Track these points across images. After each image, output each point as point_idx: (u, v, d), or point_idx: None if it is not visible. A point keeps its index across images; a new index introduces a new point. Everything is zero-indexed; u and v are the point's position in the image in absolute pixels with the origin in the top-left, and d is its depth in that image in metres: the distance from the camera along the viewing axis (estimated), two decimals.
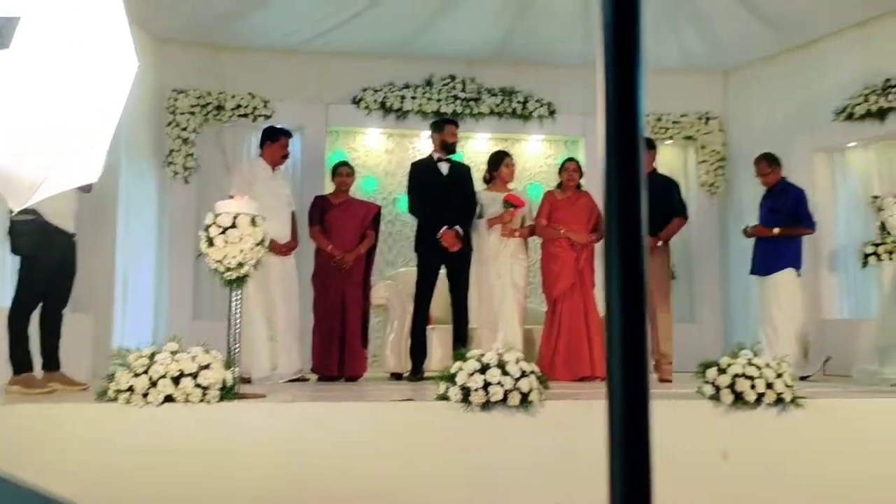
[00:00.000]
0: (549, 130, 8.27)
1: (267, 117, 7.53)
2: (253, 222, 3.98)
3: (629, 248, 0.78)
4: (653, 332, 5.92)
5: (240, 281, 4.03)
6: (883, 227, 4.62)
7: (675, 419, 4.01)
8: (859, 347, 5.90)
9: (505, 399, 3.66)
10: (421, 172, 5.89)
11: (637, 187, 0.78)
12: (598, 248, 6.13)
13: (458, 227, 5.68)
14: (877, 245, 6.79)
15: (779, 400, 3.94)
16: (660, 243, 5.81)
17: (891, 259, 6.22)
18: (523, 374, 3.71)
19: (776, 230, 5.97)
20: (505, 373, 3.68)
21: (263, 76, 7.71)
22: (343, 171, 6.09)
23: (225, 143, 7.73)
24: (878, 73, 7.11)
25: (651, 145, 6.13)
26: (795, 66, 7.92)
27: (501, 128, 8.18)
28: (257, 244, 3.99)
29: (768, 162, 6.25)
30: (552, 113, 8.18)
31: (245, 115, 7.56)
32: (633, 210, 0.78)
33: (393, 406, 3.82)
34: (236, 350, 4.02)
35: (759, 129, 8.26)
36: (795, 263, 6.03)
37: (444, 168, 5.83)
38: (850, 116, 7.17)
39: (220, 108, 7.50)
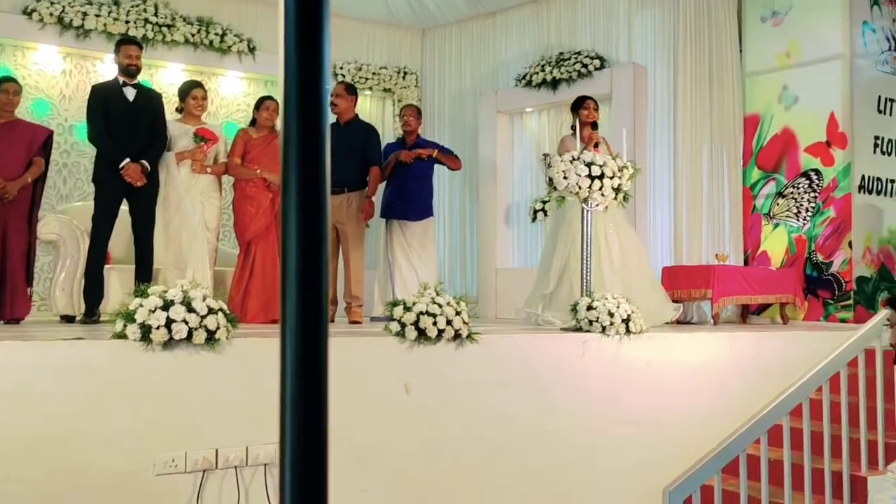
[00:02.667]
0: (249, 68, 7.99)
1: None
2: None
3: (309, 193, 0.73)
4: (346, 277, 6.03)
5: None
6: (550, 182, 5.12)
7: (363, 356, 4.14)
8: (525, 294, 6.53)
9: (190, 337, 3.50)
10: (103, 97, 5.34)
11: (319, 127, 0.73)
12: None
13: (143, 161, 5.27)
14: (544, 202, 7.56)
15: (457, 335, 4.23)
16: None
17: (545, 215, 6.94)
18: (210, 312, 3.57)
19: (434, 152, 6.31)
20: (191, 310, 3.51)
21: None
22: (9, 89, 5.33)
23: None
24: (553, 47, 7.85)
25: (352, 91, 6.17)
26: (485, 32, 8.47)
27: (197, 59, 7.73)
28: None
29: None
30: (252, 49, 7.91)
31: None
32: (315, 153, 0.73)
33: (60, 345, 3.46)
34: None
35: (451, 88, 8.73)
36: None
37: (129, 94, 5.34)
38: (528, 83, 7.85)
39: None
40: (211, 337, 3.56)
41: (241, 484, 3.64)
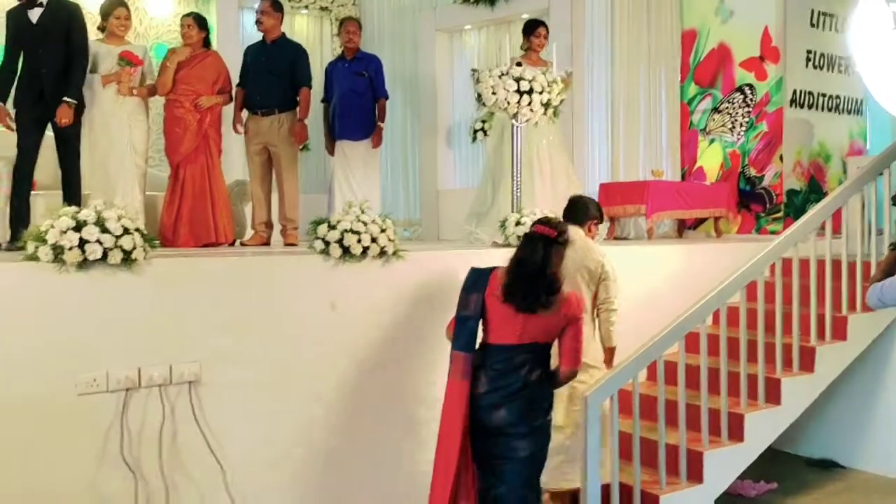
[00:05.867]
0: None
1: None
2: None
3: None
4: (279, 199, 5.99)
5: None
6: (479, 98, 5.10)
7: (289, 275, 4.16)
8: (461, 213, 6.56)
9: (105, 257, 3.47)
10: (11, 22, 5.09)
11: None
12: (226, 111, 5.96)
13: (67, 99, 5.05)
14: (483, 122, 7.53)
15: (382, 253, 4.26)
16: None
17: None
18: (126, 232, 3.53)
19: None
20: (105, 230, 3.47)
21: None
22: None
23: None
24: None
25: (279, 7, 6.00)
26: None
27: None
28: None
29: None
30: None
31: None
32: None
33: None
34: None
35: (390, 6, 8.55)
36: None
37: (34, 15, 4.98)
38: (466, 0, 7.71)
39: None
40: (127, 257, 3.53)
41: (165, 402, 3.68)
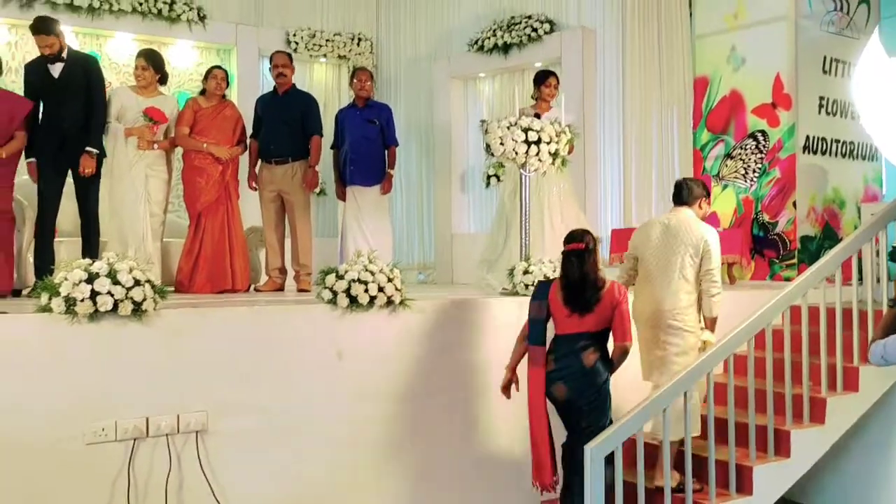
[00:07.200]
0: (200, 37, 7.95)
1: None
2: None
3: None
4: (292, 246, 6.09)
5: None
6: (488, 148, 5.18)
7: (297, 324, 4.22)
8: (475, 258, 6.61)
9: (116, 309, 3.56)
10: (31, 76, 5.27)
11: None
12: (243, 160, 6.09)
13: (90, 149, 5.22)
14: (496, 169, 7.62)
15: (389, 302, 4.31)
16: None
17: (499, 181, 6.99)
18: (137, 283, 3.62)
19: None
20: (116, 282, 3.56)
21: None
22: None
23: None
24: (505, 10, 7.85)
25: (292, 59, 6.15)
26: None
27: (146, 29, 7.68)
28: None
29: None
30: (202, 18, 7.86)
31: None
32: None
33: None
34: None
35: (405, 54, 8.71)
36: None
37: (55, 70, 5.17)
38: (480, 48, 7.86)
39: None
40: (137, 308, 3.61)
41: (172, 451, 3.72)
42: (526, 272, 4.91)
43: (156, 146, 5.67)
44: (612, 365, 4.05)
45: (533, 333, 4.11)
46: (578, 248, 4.01)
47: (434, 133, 8.32)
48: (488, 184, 7.82)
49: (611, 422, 3.99)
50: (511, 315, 4.59)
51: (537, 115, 5.61)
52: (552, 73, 6.17)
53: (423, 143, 8.52)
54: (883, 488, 5.31)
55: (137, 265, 3.72)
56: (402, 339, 4.41)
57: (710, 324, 4.46)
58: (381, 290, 4.26)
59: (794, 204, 6.90)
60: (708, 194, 4.68)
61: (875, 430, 5.21)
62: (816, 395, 4.71)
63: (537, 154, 5.17)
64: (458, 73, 8.18)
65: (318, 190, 6.87)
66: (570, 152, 5.57)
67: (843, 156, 7.28)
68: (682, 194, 4.59)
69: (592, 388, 3.98)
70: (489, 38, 7.75)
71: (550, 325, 4.14)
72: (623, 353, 4.03)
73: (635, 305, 4.46)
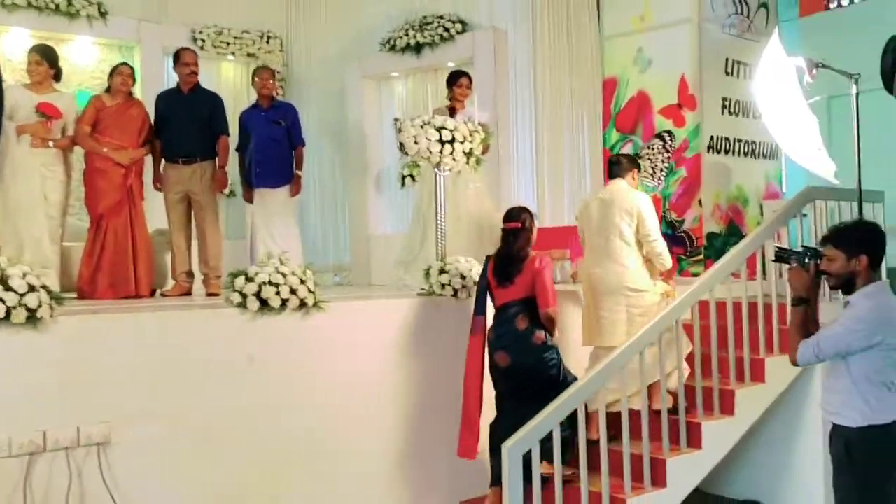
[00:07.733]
0: (101, 33, 7.65)
1: None
2: None
3: None
4: (200, 248, 5.89)
5: None
6: (402, 147, 5.13)
7: (205, 329, 4.07)
8: (392, 258, 6.55)
9: (8, 316, 3.35)
10: None
11: None
12: (149, 160, 5.86)
13: None
14: (410, 169, 7.56)
15: (302, 304, 4.21)
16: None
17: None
18: (31, 289, 3.42)
19: None
20: (8, 288, 3.36)
21: None
22: None
23: None
24: (417, 10, 7.82)
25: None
26: None
27: (43, 24, 7.33)
28: None
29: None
30: (103, 14, 7.55)
31: None
32: None
33: None
34: None
35: (317, 53, 8.58)
36: None
37: None
38: (393, 48, 7.80)
39: None
40: (32, 315, 3.42)
41: (72, 465, 3.54)
42: (442, 272, 4.88)
43: (51, 144, 5.40)
44: (544, 329, 4.39)
45: (476, 304, 4.55)
46: (515, 226, 4.47)
47: (348, 133, 8.21)
48: (403, 184, 7.76)
49: (563, 386, 4.19)
50: (426, 316, 4.56)
51: (452, 114, 5.60)
52: (464, 74, 6.16)
53: (337, 143, 8.40)
54: (788, 478, 5.49)
55: (32, 270, 3.53)
56: (315, 343, 4.31)
57: (667, 276, 4.97)
58: (293, 292, 4.16)
59: (700, 202, 7.09)
60: (638, 167, 5.24)
61: (780, 422, 5.38)
62: (725, 388, 4.84)
63: (451, 153, 5.16)
64: (371, 73, 8.10)
65: (227, 191, 6.65)
66: (484, 152, 5.59)
67: (746, 154, 7.53)
68: (615, 168, 5.10)
69: (529, 352, 4.34)
70: (401, 37, 7.69)
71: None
72: (547, 318, 4.39)
73: (588, 276, 4.91)
